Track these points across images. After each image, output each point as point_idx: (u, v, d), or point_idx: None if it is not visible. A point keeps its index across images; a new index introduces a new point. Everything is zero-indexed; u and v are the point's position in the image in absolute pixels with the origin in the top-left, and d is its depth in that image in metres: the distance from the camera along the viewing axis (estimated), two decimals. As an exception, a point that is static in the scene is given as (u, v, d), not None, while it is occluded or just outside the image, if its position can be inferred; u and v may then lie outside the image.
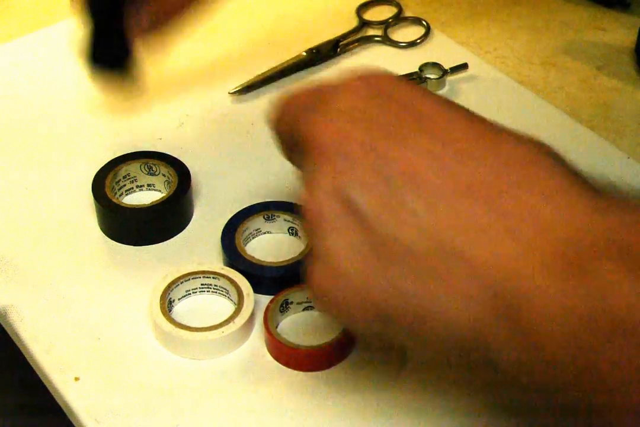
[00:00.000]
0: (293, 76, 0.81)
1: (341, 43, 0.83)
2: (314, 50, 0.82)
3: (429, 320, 0.43)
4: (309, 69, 0.82)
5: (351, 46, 0.84)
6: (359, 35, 0.85)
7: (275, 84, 0.80)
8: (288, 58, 0.82)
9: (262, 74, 0.80)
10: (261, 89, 0.80)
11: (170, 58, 0.83)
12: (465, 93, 0.80)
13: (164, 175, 0.71)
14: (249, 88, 0.80)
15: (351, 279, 0.45)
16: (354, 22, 0.85)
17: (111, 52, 0.69)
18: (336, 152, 0.45)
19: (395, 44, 0.84)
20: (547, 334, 0.39)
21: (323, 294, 0.46)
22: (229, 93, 0.79)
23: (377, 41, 0.84)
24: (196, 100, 0.79)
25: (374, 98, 0.47)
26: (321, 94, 0.48)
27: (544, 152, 0.45)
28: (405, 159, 0.44)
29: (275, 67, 0.81)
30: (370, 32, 0.85)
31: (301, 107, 0.49)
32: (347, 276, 0.45)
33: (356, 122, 0.45)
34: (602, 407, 0.40)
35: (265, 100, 0.79)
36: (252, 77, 0.80)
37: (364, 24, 0.85)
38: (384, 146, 0.44)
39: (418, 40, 0.84)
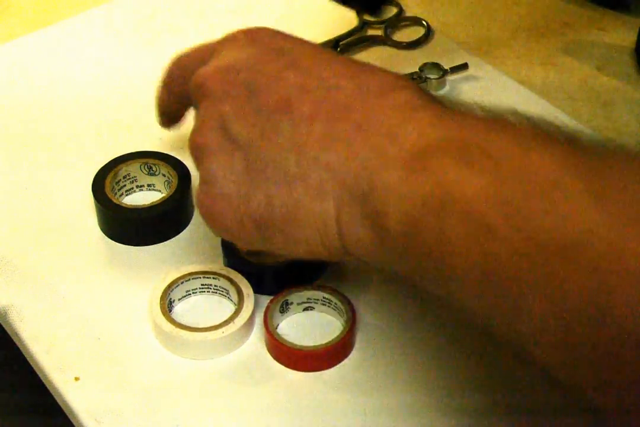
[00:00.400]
0: None
1: (341, 43, 0.83)
2: None
3: (297, 220, 0.51)
4: None
5: (351, 46, 0.83)
6: (359, 35, 0.85)
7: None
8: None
9: None
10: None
11: (168, 57, 0.83)
12: (465, 93, 0.80)
13: (164, 175, 0.71)
14: None
15: (230, 197, 0.53)
16: (354, 22, 0.85)
17: None
18: (219, 93, 0.53)
19: (395, 44, 0.84)
20: (389, 216, 0.47)
21: (207, 212, 0.54)
22: None
23: (377, 41, 0.84)
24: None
25: (252, 46, 0.54)
26: (208, 48, 0.57)
27: (401, 81, 0.51)
28: (277, 92, 0.51)
29: None
30: (370, 32, 0.85)
31: (192, 61, 0.58)
32: (226, 195, 0.53)
33: (236, 68, 0.53)
34: (431, 272, 0.47)
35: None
36: None
37: (364, 24, 0.85)
38: (259, 83, 0.52)
39: (418, 40, 0.84)
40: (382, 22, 0.85)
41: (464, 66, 0.81)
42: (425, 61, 0.81)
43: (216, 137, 0.53)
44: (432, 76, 0.80)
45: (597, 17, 0.88)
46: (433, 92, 0.80)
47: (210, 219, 0.54)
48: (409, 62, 0.81)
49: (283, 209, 0.51)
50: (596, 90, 0.81)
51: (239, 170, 0.52)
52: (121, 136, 0.76)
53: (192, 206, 0.71)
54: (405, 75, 0.80)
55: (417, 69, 0.80)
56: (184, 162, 0.70)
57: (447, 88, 0.80)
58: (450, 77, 0.80)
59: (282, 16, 0.87)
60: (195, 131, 0.54)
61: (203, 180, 0.54)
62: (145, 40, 0.85)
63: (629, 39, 0.85)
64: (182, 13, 0.87)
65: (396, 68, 0.80)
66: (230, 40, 0.56)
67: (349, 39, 0.84)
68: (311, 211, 0.50)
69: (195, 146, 0.54)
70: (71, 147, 0.76)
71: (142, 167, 0.71)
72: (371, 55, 0.83)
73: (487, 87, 0.80)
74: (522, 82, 0.81)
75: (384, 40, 0.84)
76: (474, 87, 0.80)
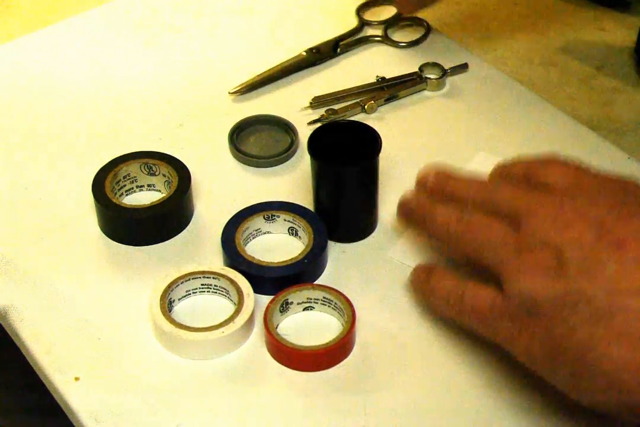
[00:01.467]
0: (293, 76, 0.81)
1: (341, 43, 0.83)
2: (314, 50, 0.82)
3: (592, 353, 0.51)
4: (309, 69, 0.82)
5: (351, 46, 0.84)
6: (359, 36, 0.85)
7: (275, 83, 0.80)
8: (288, 58, 0.82)
9: (262, 73, 0.80)
10: (261, 89, 0.80)
11: (168, 57, 0.83)
12: (465, 93, 0.80)
13: (164, 175, 0.71)
14: (249, 88, 0.80)
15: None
16: (354, 22, 0.85)
17: None
18: (557, 215, 0.56)
19: (395, 44, 0.84)
20: None
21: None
22: (229, 93, 0.79)
23: (377, 41, 0.84)
24: (196, 101, 0.79)
25: (579, 177, 0.59)
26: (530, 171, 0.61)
27: None
28: (620, 230, 0.53)
29: (276, 66, 0.81)
30: (370, 32, 0.85)
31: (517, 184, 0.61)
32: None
33: (573, 199, 0.57)
34: None
35: (265, 100, 0.79)
36: (252, 77, 0.80)
37: (363, 24, 0.85)
38: (598, 217, 0.55)
39: (418, 40, 0.84)
40: (382, 22, 0.85)
41: (463, 66, 0.81)
42: (425, 61, 0.81)
43: (545, 254, 0.55)
44: (431, 76, 0.80)
45: (597, 17, 0.88)
46: (433, 92, 0.80)
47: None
48: (408, 62, 0.81)
49: (582, 344, 0.52)
50: (596, 90, 0.81)
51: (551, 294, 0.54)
52: (121, 136, 0.77)
53: (192, 206, 0.71)
54: (405, 75, 0.80)
55: (417, 69, 0.80)
56: (184, 162, 0.70)
57: (446, 88, 0.80)
58: (450, 77, 0.80)
59: (282, 16, 0.87)
60: (524, 245, 0.56)
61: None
62: (145, 40, 0.85)
63: (629, 39, 0.85)
64: (182, 13, 0.87)
65: (396, 68, 0.80)
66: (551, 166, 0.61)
67: (349, 39, 0.84)
68: (609, 354, 0.51)
69: (522, 262, 0.55)
70: (71, 147, 0.76)
71: (142, 167, 0.71)
72: (371, 55, 0.83)
73: (487, 87, 0.80)
74: (522, 82, 0.81)
75: (384, 40, 0.84)
76: (474, 87, 0.80)
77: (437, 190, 0.64)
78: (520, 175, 0.62)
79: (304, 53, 0.82)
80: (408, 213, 0.66)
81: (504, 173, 0.64)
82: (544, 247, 0.55)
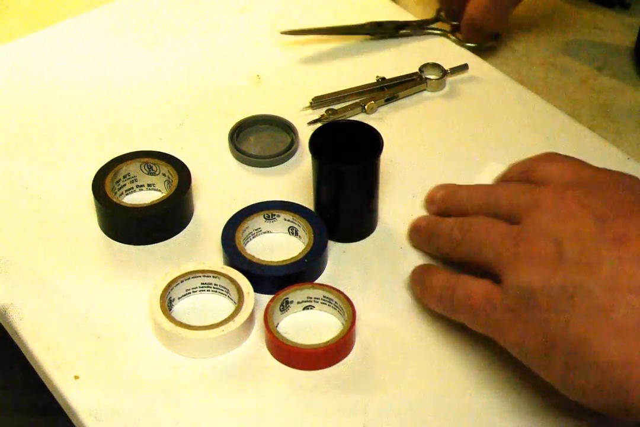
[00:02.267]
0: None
1: (406, 27, 0.84)
2: (377, 24, 0.83)
3: (587, 348, 0.51)
4: (361, 37, 0.84)
5: (416, 31, 0.84)
6: (428, 26, 0.85)
7: (276, 83, 0.80)
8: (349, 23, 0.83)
9: (318, 27, 0.82)
10: (262, 89, 0.80)
11: (169, 57, 0.83)
12: (465, 93, 0.80)
13: (164, 175, 0.71)
14: (303, 32, 0.81)
15: None
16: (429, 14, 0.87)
17: None
18: (559, 207, 0.55)
19: (458, 41, 0.85)
20: None
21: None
22: (280, 32, 0.81)
23: (442, 35, 0.85)
24: (196, 101, 0.79)
25: (583, 172, 0.58)
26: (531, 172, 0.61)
27: None
28: (621, 226, 0.53)
29: (337, 26, 0.83)
30: (441, 26, 0.86)
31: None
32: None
33: (574, 190, 0.56)
34: None
35: (265, 100, 0.79)
36: (308, 27, 0.82)
37: (438, 18, 0.86)
38: (600, 210, 0.54)
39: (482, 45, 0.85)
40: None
41: (463, 66, 0.81)
42: (425, 61, 0.81)
43: (546, 244, 0.54)
44: (432, 76, 0.80)
45: (597, 17, 0.88)
46: (433, 93, 0.80)
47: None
48: (409, 62, 0.81)
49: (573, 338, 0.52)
50: (596, 90, 0.81)
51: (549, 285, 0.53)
52: (121, 136, 0.77)
53: (192, 206, 0.71)
54: (405, 75, 0.80)
55: (417, 69, 0.80)
56: (184, 162, 0.70)
57: (446, 88, 0.80)
58: (450, 78, 0.81)
59: (281, 16, 0.87)
60: (525, 235, 0.56)
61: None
62: (145, 41, 0.85)
63: (629, 39, 0.85)
64: (182, 13, 0.87)
65: (397, 68, 0.80)
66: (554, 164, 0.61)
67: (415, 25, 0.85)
68: (607, 350, 0.51)
69: (522, 249, 0.55)
70: (71, 147, 0.76)
71: (142, 166, 0.71)
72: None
73: (487, 87, 0.80)
74: (522, 82, 0.81)
75: (448, 35, 0.85)
76: (474, 87, 0.80)
77: (446, 203, 0.65)
78: (519, 174, 0.62)
79: (367, 24, 0.83)
80: (417, 230, 0.67)
81: (506, 175, 0.64)
82: (543, 237, 0.54)
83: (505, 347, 0.56)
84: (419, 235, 0.67)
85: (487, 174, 0.72)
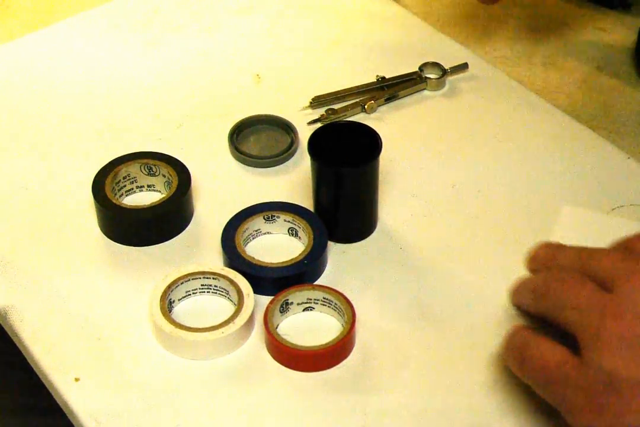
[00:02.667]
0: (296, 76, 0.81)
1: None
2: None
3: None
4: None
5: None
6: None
7: (275, 82, 0.80)
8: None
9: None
10: (261, 89, 0.80)
11: (168, 57, 0.83)
12: (465, 93, 0.80)
13: (164, 175, 0.71)
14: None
15: None
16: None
17: None
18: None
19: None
20: None
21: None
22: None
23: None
24: (196, 101, 0.79)
25: None
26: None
27: None
28: None
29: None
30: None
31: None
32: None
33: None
34: None
35: (265, 100, 0.79)
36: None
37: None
38: None
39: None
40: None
41: (463, 66, 0.81)
42: (425, 61, 0.81)
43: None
44: (432, 76, 0.80)
45: (597, 17, 0.88)
46: (433, 92, 0.80)
47: None
48: (409, 62, 0.81)
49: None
50: (596, 90, 0.81)
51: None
52: (121, 136, 0.77)
53: (192, 206, 0.71)
54: (405, 75, 0.80)
55: (417, 69, 0.80)
56: (184, 162, 0.70)
57: (446, 88, 0.80)
58: (450, 77, 0.80)
59: (281, 16, 0.87)
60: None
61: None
62: (145, 40, 0.85)
63: (629, 39, 0.85)
64: (183, 13, 0.87)
65: (397, 68, 0.80)
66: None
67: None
68: None
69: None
70: (71, 147, 0.76)
71: (142, 167, 0.71)
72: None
73: (487, 87, 0.80)
74: (522, 82, 0.81)
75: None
76: (474, 87, 0.80)
77: (546, 264, 0.60)
78: (622, 245, 0.57)
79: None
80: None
81: (617, 244, 0.59)
82: (635, 314, 0.50)
83: (570, 423, 0.53)
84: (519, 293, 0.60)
85: (564, 222, 0.69)
